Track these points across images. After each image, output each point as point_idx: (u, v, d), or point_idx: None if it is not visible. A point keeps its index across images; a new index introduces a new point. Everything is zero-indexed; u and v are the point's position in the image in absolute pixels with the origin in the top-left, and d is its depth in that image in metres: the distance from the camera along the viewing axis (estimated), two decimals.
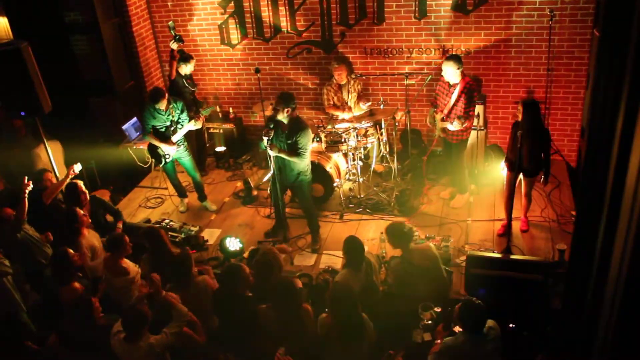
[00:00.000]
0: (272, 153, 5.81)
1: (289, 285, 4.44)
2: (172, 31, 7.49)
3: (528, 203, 6.22)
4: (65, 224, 5.50)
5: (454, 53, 7.19)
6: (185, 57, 7.52)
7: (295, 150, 5.86)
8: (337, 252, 6.04)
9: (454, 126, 6.32)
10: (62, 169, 6.66)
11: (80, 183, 5.96)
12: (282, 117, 5.77)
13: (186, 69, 7.53)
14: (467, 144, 6.74)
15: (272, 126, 5.80)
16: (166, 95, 6.66)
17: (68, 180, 6.12)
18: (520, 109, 5.69)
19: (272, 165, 5.91)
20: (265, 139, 5.72)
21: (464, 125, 6.33)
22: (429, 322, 4.63)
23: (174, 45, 7.46)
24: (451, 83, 6.30)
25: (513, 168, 5.88)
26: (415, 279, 5.00)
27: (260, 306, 4.48)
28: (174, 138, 6.76)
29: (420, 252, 5.11)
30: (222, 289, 4.71)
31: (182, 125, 6.78)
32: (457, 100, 6.30)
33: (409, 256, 5.02)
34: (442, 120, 6.48)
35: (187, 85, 7.60)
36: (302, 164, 5.99)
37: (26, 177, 5.44)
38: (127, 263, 5.26)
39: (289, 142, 5.85)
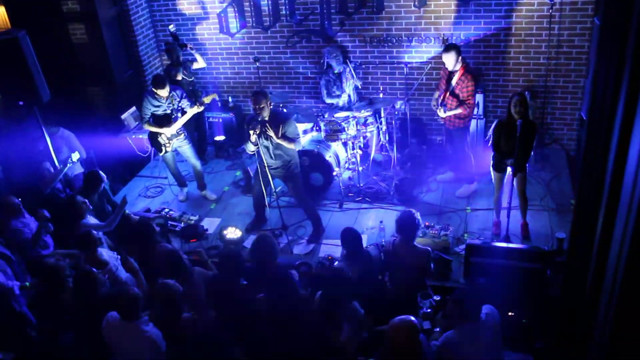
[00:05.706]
0: (267, 144, 5.84)
1: (284, 277, 4.41)
2: (176, 40, 7.66)
3: (525, 203, 5.95)
4: (65, 211, 5.51)
5: (452, 42, 7.06)
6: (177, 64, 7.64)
7: (288, 139, 5.89)
8: (336, 241, 6.02)
9: (441, 113, 6.46)
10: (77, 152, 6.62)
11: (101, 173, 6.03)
12: (267, 112, 5.77)
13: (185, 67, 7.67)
14: (467, 132, 6.75)
15: (259, 119, 5.77)
16: (167, 84, 6.64)
17: (66, 169, 6.12)
18: (517, 103, 5.41)
19: (263, 158, 5.90)
20: (252, 134, 5.70)
21: (457, 112, 6.40)
22: (429, 310, 4.64)
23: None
24: (450, 69, 6.39)
25: (500, 168, 5.83)
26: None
27: (258, 296, 4.47)
28: (176, 124, 6.77)
29: (414, 251, 4.92)
30: (221, 274, 4.70)
31: (182, 111, 6.78)
32: (454, 87, 6.36)
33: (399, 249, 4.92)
34: (434, 107, 6.59)
35: (184, 75, 7.58)
36: (295, 151, 6.05)
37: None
38: (103, 254, 5.20)
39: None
